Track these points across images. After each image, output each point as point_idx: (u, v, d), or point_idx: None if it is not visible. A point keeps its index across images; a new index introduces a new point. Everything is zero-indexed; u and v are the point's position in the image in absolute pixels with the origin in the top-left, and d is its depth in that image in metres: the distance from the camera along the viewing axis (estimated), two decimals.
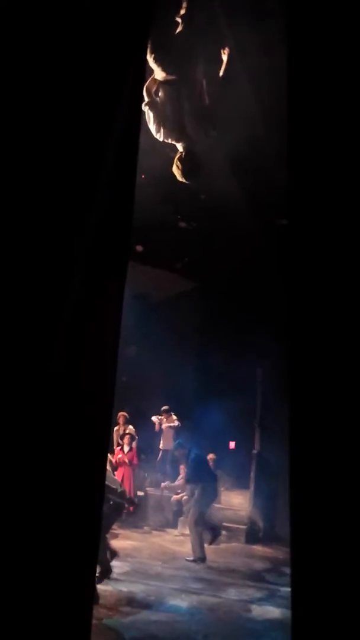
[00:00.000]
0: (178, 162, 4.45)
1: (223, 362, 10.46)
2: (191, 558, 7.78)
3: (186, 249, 10.27)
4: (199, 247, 9.89)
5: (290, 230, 2.38)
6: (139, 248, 9.15)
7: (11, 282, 2.28)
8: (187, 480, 8.76)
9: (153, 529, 9.80)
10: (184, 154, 4.43)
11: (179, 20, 4.37)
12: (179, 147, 4.49)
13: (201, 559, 7.78)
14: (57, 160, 2.50)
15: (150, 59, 4.15)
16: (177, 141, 4.48)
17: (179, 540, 9.05)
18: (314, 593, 2.06)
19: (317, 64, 2.47)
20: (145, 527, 9.81)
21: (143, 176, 5.90)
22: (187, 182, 4.57)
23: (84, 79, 2.64)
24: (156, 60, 4.21)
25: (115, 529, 8.74)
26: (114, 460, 9.50)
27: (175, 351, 11.27)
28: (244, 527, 9.73)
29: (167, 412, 11.03)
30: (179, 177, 4.50)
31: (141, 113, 3.72)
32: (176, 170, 4.48)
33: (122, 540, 8.65)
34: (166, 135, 4.43)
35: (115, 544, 8.06)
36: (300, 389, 2.22)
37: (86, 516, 2.45)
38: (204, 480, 8.33)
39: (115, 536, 8.55)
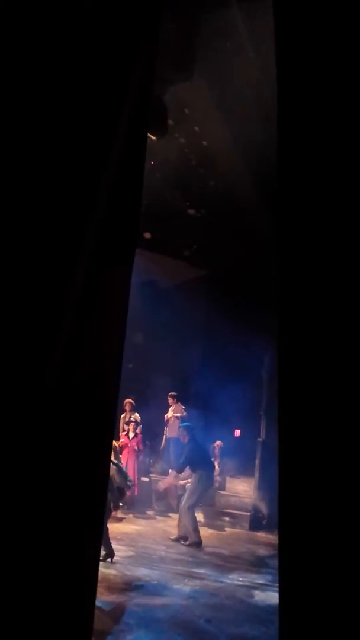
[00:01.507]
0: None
1: (230, 350, 10.48)
2: (187, 542, 7.88)
3: (195, 236, 10.25)
4: (207, 234, 9.86)
5: (279, 236, 2.37)
6: (147, 235, 9.13)
7: (19, 268, 2.29)
8: (182, 465, 8.76)
9: (157, 514, 9.89)
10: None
11: None
12: None
13: (197, 543, 7.87)
14: (65, 147, 2.49)
15: None
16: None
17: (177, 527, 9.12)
18: (302, 581, 2.09)
19: (307, 61, 2.44)
20: (149, 512, 9.89)
21: (153, 162, 5.88)
22: (154, 137, 4.34)
23: (93, 64, 2.63)
24: None
25: (120, 513, 8.85)
26: (118, 446, 9.57)
27: (182, 339, 11.29)
28: (248, 514, 9.79)
29: (174, 397, 11.06)
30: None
31: (150, 98, 3.65)
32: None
33: (126, 524, 8.74)
34: None
35: (119, 528, 8.16)
36: (290, 380, 2.22)
37: (90, 499, 2.47)
38: (201, 468, 8.40)
39: (119, 520, 8.64)
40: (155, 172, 6.06)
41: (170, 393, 11.09)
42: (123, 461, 9.58)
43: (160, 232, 9.28)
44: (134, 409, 10.55)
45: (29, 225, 2.35)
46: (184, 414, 10.80)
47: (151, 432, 11.17)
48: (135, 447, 10.02)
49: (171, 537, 8.14)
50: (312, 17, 2.41)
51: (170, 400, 11.05)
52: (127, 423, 10.18)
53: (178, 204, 8.87)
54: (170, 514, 9.83)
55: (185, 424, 9.25)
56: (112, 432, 2.78)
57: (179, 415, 10.72)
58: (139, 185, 2.79)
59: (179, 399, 11.07)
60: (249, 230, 9.14)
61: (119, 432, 10.07)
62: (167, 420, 10.94)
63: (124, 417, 10.43)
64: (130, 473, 9.62)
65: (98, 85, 2.62)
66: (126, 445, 9.89)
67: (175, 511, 9.83)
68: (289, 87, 2.49)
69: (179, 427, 9.39)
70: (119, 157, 2.64)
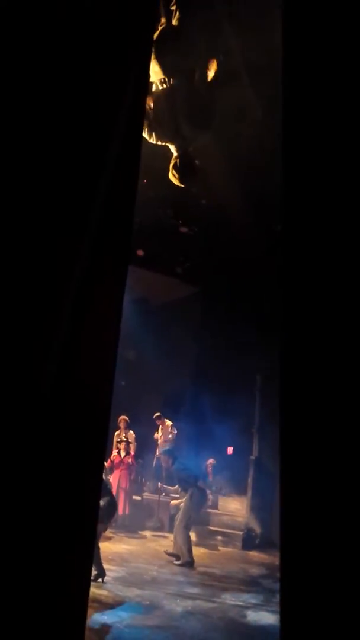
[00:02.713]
0: (173, 171, 4.36)
1: (222, 368, 10.48)
2: (179, 562, 7.80)
3: (187, 254, 10.30)
4: (199, 252, 9.91)
5: (285, 237, 2.39)
6: (140, 252, 9.17)
7: (11, 284, 2.29)
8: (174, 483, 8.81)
9: (149, 534, 9.79)
10: (179, 158, 4.34)
11: (177, 19, 4.29)
12: (173, 149, 4.39)
13: (189, 562, 7.80)
14: (59, 163, 2.51)
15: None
16: (171, 142, 4.38)
17: (173, 546, 9.03)
18: (303, 599, 2.07)
19: (313, 69, 2.48)
20: (141, 532, 9.79)
21: (145, 181, 5.92)
22: (184, 186, 4.48)
23: (86, 81, 2.66)
24: (156, 59, 4.14)
25: (111, 533, 8.75)
26: (107, 464, 9.51)
27: (174, 356, 11.28)
28: (241, 532, 9.71)
29: (159, 418, 11.03)
30: (176, 182, 4.42)
31: (144, 116, 3.68)
32: (173, 178, 4.39)
33: (118, 544, 8.64)
34: (159, 137, 4.32)
35: (111, 548, 8.07)
36: (292, 397, 2.22)
37: (82, 517, 2.45)
38: (191, 486, 8.37)
39: (109, 539, 8.54)
40: (148, 190, 6.10)
41: (155, 414, 11.05)
42: (115, 480, 9.52)
43: (152, 250, 9.32)
44: (128, 427, 10.50)
45: (21, 241, 2.35)
46: (174, 431, 10.76)
47: (143, 449, 11.11)
48: (127, 465, 9.94)
49: (166, 551, 8.05)
50: (319, 25, 2.46)
51: (157, 422, 11.02)
52: (119, 442, 10.12)
53: (170, 222, 8.92)
54: (162, 534, 9.74)
55: (166, 449, 9.25)
56: (104, 449, 2.77)
57: (168, 438, 10.66)
58: (132, 202, 2.81)
59: (166, 417, 11.04)
60: (241, 247, 9.20)
61: (111, 450, 10.01)
62: (157, 439, 10.91)
63: (118, 434, 10.38)
64: (122, 492, 9.56)
65: (92, 103, 2.65)
66: (118, 463, 9.82)
67: (168, 530, 9.76)
68: (293, 100, 2.53)
69: (162, 453, 9.39)
70: (112, 175, 2.66)
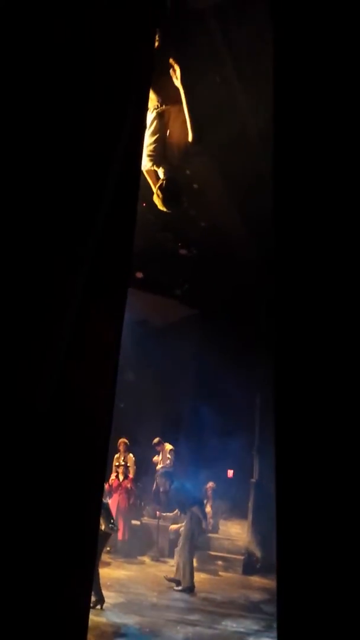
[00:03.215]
0: (159, 191, 4.37)
1: (222, 389, 10.44)
2: (180, 587, 7.69)
3: (186, 276, 10.33)
4: (198, 273, 9.95)
5: (277, 259, 2.40)
6: (139, 274, 9.20)
7: (10, 305, 2.29)
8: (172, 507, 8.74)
9: (149, 559, 9.66)
10: (164, 182, 4.37)
11: (171, 45, 4.36)
12: (160, 173, 4.43)
13: (190, 588, 7.69)
14: (59, 184, 2.53)
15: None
16: (157, 166, 4.42)
17: (174, 571, 8.90)
18: (300, 622, 2.04)
19: (304, 94, 2.51)
20: (140, 557, 9.65)
21: (144, 204, 5.97)
22: (168, 210, 4.48)
23: (86, 104, 2.69)
24: (153, 87, 4.21)
25: (110, 558, 8.64)
26: (107, 487, 9.41)
27: (174, 378, 11.24)
28: (242, 557, 9.58)
29: (159, 444, 10.95)
30: (160, 206, 4.43)
31: (143, 139, 3.72)
32: (157, 200, 4.40)
33: (117, 570, 8.51)
34: (147, 164, 4.36)
35: (109, 574, 7.94)
36: (287, 417, 2.22)
37: (80, 543, 2.42)
38: (190, 509, 8.29)
39: (108, 564, 8.43)
40: (147, 213, 6.16)
41: (155, 440, 10.96)
42: (114, 503, 9.42)
43: (151, 272, 9.35)
44: (127, 449, 10.41)
45: (21, 263, 2.36)
46: (171, 456, 10.65)
47: (142, 472, 11.00)
48: (126, 489, 9.83)
49: (166, 577, 7.93)
50: (310, 86, 2.50)
51: (157, 447, 10.93)
52: (118, 466, 10.03)
53: (169, 244, 8.97)
54: (162, 559, 9.60)
55: (163, 471, 9.17)
56: (104, 472, 2.74)
57: (167, 464, 10.57)
58: (132, 225, 2.83)
59: (165, 439, 10.94)
60: (240, 269, 9.24)
61: (110, 472, 9.92)
62: (157, 463, 10.81)
63: (118, 457, 10.29)
64: (121, 516, 9.45)
65: (92, 125, 2.68)
66: (117, 487, 9.72)
67: (167, 555, 9.62)
68: (285, 125, 2.56)
69: (159, 476, 9.30)
70: (111, 198, 2.68)
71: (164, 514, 9.61)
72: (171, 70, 4.28)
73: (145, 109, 3.46)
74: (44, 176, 2.51)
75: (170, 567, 9.17)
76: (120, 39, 2.82)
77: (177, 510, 9.13)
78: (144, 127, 3.95)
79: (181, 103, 4.30)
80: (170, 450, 10.82)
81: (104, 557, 8.08)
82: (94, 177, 2.63)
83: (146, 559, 9.65)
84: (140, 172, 3.00)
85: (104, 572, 7.37)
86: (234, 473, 11.22)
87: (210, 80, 4.78)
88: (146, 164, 4.34)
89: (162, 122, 4.36)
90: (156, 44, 4.19)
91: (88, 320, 2.51)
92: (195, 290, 10.80)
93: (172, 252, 9.23)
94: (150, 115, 4.36)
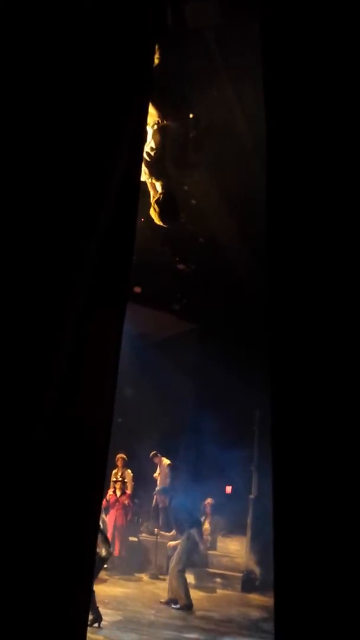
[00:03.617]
0: (155, 205, 4.37)
1: (220, 404, 10.40)
2: (177, 605, 7.60)
3: (184, 291, 10.34)
4: (197, 288, 9.96)
5: (270, 275, 2.42)
6: (138, 289, 9.21)
7: (10, 321, 2.29)
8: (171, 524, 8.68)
9: (146, 576, 9.54)
10: (162, 196, 4.37)
11: (173, 63, 4.42)
12: (158, 187, 4.44)
13: (187, 606, 7.59)
14: (58, 202, 2.54)
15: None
16: (157, 180, 4.43)
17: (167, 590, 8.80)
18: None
19: (294, 108, 2.54)
20: (138, 574, 9.55)
21: (143, 219, 6.00)
22: (164, 225, 4.49)
23: (86, 121, 2.71)
24: (154, 103, 4.26)
25: (107, 575, 8.54)
26: (104, 503, 9.34)
27: (172, 392, 11.20)
28: (240, 574, 9.47)
29: (155, 456, 10.88)
30: (157, 220, 4.43)
31: (142, 156, 3.75)
32: (153, 213, 4.40)
33: (113, 587, 8.41)
34: (148, 174, 4.39)
35: (106, 591, 7.85)
36: (284, 435, 2.21)
37: (78, 561, 2.40)
38: (187, 527, 8.22)
39: (104, 581, 8.34)
40: (146, 228, 6.19)
41: (152, 452, 10.90)
42: (110, 520, 9.34)
43: (150, 287, 9.36)
44: (125, 465, 10.34)
45: (21, 279, 2.37)
46: (169, 471, 10.57)
47: (140, 488, 10.91)
48: (123, 506, 9.74)
49: (161, 600, 7.84)
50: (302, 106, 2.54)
51: (155, 460, 10.86)
52: (115, 482, 9.95)
53: (168, 259, 9.00)
54: (160, 576, 9.49)
55: (161, 488, 9.10)
56: (102, 487, 2.73)
57: (167, 477, 10.50)
58: (131, 241, 2.84)
59: (163, 454, 10.87)
60: (238, 284, 9.25)
61: (108, 488, 9.84)
62: (157, 479, 10.74)
63: (116, 472, 10.20)
64: (117, 533, 9.36)
65: (92, 142, 2.70)
66: (114, 503, 9.63)
67: (165, 573, 9.52)
68: (278, 144, 2.59)
69: (158, 494, 9.23)
70: (110, 214, 2.70)
71: (164, 533, 9.52)
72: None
73: (144, 124, 3.49)
74: (45, 190, 2.52)
75: (166, 584, 9.08)
76: (120, 53, 2.85)
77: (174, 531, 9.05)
78: (143, 142, 3.97)
79: (181, 119, 4.34)
80: (168, 465, 10.75)
81: (101, 574, 8.00)
82: (94, 192, 2.64)
83: (143, 576, 9.54)
84: (140, 187, 3.02)
85: (100, 589, 7.29)
86: (232, 489, 11.13)
87: (208, 96, 4.84)
88: (145, 177, 4.33)
89: (162, 137, 4.34)
90: (157, 60, 4.26)
91: (87, 334, 2.51)
92: (194, 305, 10.80)
93: (171, 267, 9.25)
94: (151, 131, 4.36)
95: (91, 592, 2.58)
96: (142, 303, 9.67)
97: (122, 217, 2.75)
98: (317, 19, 2.54)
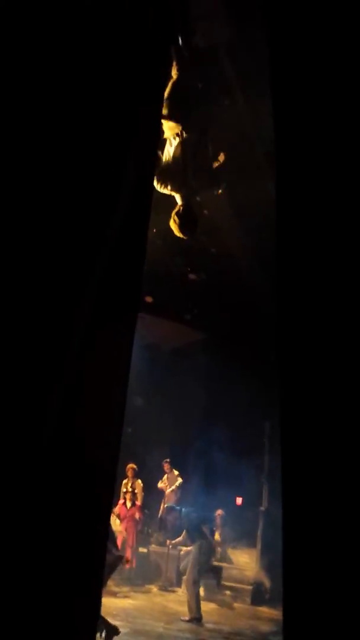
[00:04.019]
0: (175, 217, 4.41)
1: (231, 414, 10.37)
2: (186, 618, 7.52)
3: (196, 301, 10.35)
4: (208, 298, 9.97)
5: (278, 284, 2.42)
6: (149, 299, 9.23)
7: (18, 330, 2.30)
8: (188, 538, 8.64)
9: (156, 588, 9.49)
10: (182, 208, 4.43)
11: (191, 77, 4.49)
12: (178, 199, 4.50)
13: (197, 619, 7.52)
14: (69, 211, 2.56)
15: (163, 112, 4.27)
16: (177, 192, 4.50)
17: (182, 600, 8.73)
18: None
19: (302, 120, 2.55)
20: (148, 586, 9.49)
21: (155, 230, 6.02)
22: (184, 236, 4.53)
23: (98, 129, 2.73)
24: (170, 114, 4.33)
25: (116, 587, 8.50)
26: (116, 513, 9.32)
27: (182, 403, 11.19)
28: (250, 587, 9.39)
29: (167, 463, 10.86)
30: (176, 232, 4.48)
31: (155, 165, 3.77)
32: (173, 225, 4.43)
33: (123, 599, 8.37)
34: (165, 185, 4.45)
35: (116, 603, 7.81)
36: (293, 447, 2.19)
37: (87, 569, 2.38)
38: (199, 538, 8.16)
39: (114, 594, 8.29)
40: (157, 239, 6.21)
41: (166, 460, 10.87)
42: (122, 531, 9.32)
43: (161, 296, 9.38)
44: (136, 475, 10.31)
45: (31, 289, 2.38)
46: (179, 480, 10.54)
47: (150, 499, 10.88)
48: (133, 517, 9.70)
49: (182, 619, 7.64)
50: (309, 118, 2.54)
51: (165, 467, 10.82)
52: (125, 493, 9.93)
53: (179, 269, 9.02)
54: (170, 588, 9.44)
55: (171, 506, 9.10)
56: (112, 498, 2.72)
57: (174, 488, 10.46)
58: (142, 251, 2.84)
59: (173, 464, 10.85)
60: (249, 295, 9.25)
61: (118, 498, 9.82)
62: (163, 489, 10.70)
63: (126, 483, 10.18)
64: (128, 543, 9.32)
65: (103, 151, 2.71)
66: (125, 514, 9.60)
67: (175, 585, 9.46)
68: (287, 158, 2.59)
69: (166, 511, 9.23)
70: (122, 223, 2.70)
71: (174, 541, 9.46)
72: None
73: (156, 136, 3.52)
74: (55, 200, 2.54)
75: (178, 596, 9.02)
76: (129, 64, 2.87)
77: (184, 533, 8.98)
78: (155, 153, 4.01)
79: (199, 132, 4.42)
80: (178, 475, 10.70)
81: (111, 587, 7.96)
82: (105, 201, 2.65)
83: (153, 587, 9.49)
84: (152, 197, 3.02)
85: (110, 602, 7.25)
86: (242, 500, 11.06)
87: (221, 110, 4.91)
88: (164, 188, 4.42)
89: (182, 150, 4.42)
90: (174, 75, 4.34)
91: (98, 344, 2.51)
92: (205, 315, 10.81)
93: (182, 277, 9.27)
94: (174, 143, 4.45)
95: (99, 605, 2.56)
96: (153, 313, 9.69)
97: (133, 227, 2.76)
98: (325, 31, 2.56)
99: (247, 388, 10.02)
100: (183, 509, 8.59)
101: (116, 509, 9.57)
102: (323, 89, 2.51)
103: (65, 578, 2.26)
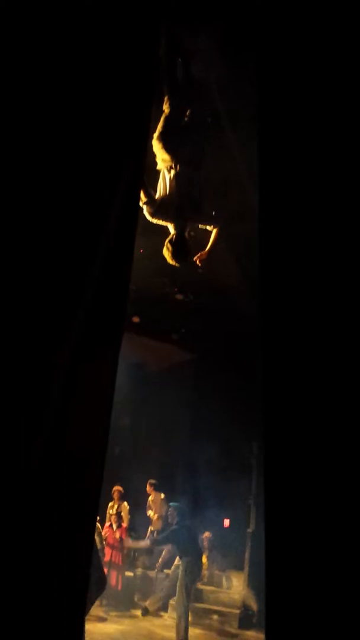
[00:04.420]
0: (168, 245, 4.56)
1: (218, 435, 10.32)
2: None
3: (183, 321, 10.38)
4: (195, 318, 10.00)
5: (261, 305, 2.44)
6: (136, 319, 9.24)
7: (5, 351, 2.30)
8: (160, 541, 8.49)
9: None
10: (174, 237, 4.55)
11: (181, 111, 4.64)
12: (171, 228, 4.62)
13: None
14: (56, 230, 2.57)
15: (156, 144, 4.49)
16: (169, 222, 4.62)
17: (169, 625, 8.58)
18: None
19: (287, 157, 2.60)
20: (133, 610, 9.33)
21: (142, 251, 6.06)
22: (176, 264, 4.66)
23: (85, 152, 2.76)
24: (164, 147, 4.50)
25: (103, 612, 8.35)
26: (103, 536, 9.19)
27: (170, 423, 11.13)
28: (238, 611, 9.25)
29: (153, 485, 10.74)
30: (169, 260, 4.60)
31: (141, 187, 3.86)
32: (166, 253, 4.58)
33: (108, 624, 8.22)
34: (158, 217, 4.56)
35: (101, 628, 7.66)
36: (277, 468, 2.20)
37: (70, 594, 2.35)
38: (188, 555, 8.03)
39: (103, 620, 8.14)
40: (145, 259, 6.25)
41: (149, 481, 10.75)
42: (106, 555, 9.18)
43: (149, 316, 9.39)
44: (122, 497, 10.19)
45: (17, 308, 2.38)
46: (164, 505, 10.43)
47: (137, 521, 10.75)
48: (119, 540, 9.56)
49: None
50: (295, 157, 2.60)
51: (148, 489, 10.70)
52: (111, 516, 9.80)
53: (166, 289, 9.05)
54: (158, 613, 9.28)
55: (175, 504, 8.95)
56: (95, 522, 2.69)
57: (161, 513, 10.35)
58: (127, 272, 2.86)
59: (161, 486, 10.73)
60: (237, 315, 9.28)
61: (104, 522, 9.68)
62: (150, 516, 10.58)
63: (112, 505, 10.05)
64: (113, 568, 9.19)
65: (90, 172, 2.74)
66: (110, 537, 9.47)
67: (162, 609, 9.30)
68: (270, 178, 2.64)
69: (169, 506, 9.08)
70: (108, 243, 2.72)
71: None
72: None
73: (143, 156, 3.58)
74: (43, 220, 2.55)
75: (164, 620, 8.86)
76: (119, 93, 2.92)
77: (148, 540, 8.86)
78: (142, 174, 4.07)
79: (192, 165, 4.53)
80: (162, 499, 10.59)
81: (96, 610, 7.82)
82: (92, 222, 2.67)
83: (139, 612, 9.32)
84: (138, 218, 3.06)
85: (94, 627, 7.12)
86: (230, 522, 10.96)
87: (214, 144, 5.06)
88: (158, 219, 4.57)
89: (175, 182, 4.57)
90: (166, 110, 4.46)
91: (82, 363, 2.50)
92: (192, 335, 10.83)
93: (170, 298, 9.30)
94: (166, 175, 4.61)
95: (83, 629, 2.52)
96: (141, 333, 9.69)
97: (119, 247, 2.78)
98: (312, 80, 2.63)
99: (235, 409, 10.01)
100: (170, 535, 8.44)
101: (103, 532, 9.44)
102: (308, 133, 2.57)
103: (48, 603, 2.23)
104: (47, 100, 2.68)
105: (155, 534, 10.15)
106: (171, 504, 9.12)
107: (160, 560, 9.77)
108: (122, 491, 10.21)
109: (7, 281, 2.39)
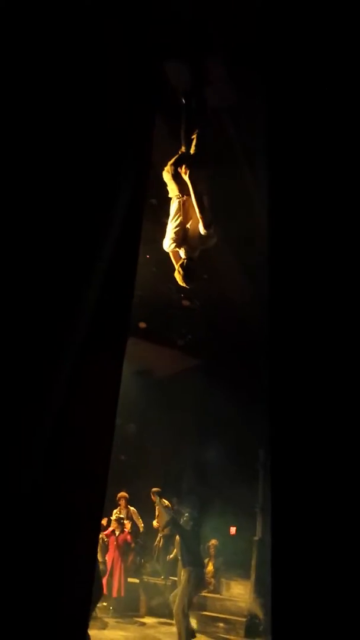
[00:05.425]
0: (180, 269, 4.82)
1: (224, 441, 10.30)
2: None
3: (189, 327, 10.38)
4: (201, 324, 10.00)
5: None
6: (142, 325, 9.25)
7: (8, 358, 2.30)
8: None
9: (147, 620, 9.28)
10: (185, 261, 4.73)
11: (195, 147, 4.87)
12: (182, 253, 4.80)
13: None
14: (60, 236, 2.58)
15: (167, 175, 4.83)
16: (180, 247, 4.87)
17: (174, 632, 8.52)
18: None
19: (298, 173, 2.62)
20: (138, 618, 9.28)
21: (148, 256, 6.08)
22: (187, 286, 4.94)
23: (91, 160, 2.77)
24: (173, 179, 4.81)
25: (107, 618, 8.32)
26: (105, 539, 9.17)
27: (176, 429, 11.12)
28: (244, 619, 9.18)
29: (156, 493, 10.69)
30: (180, 282, 4.88)
31: (146, 191, 3.95)
32: (178, 276, 4.85)
33: (113, 631, 8.18)
34: (171, 246, 4.82)
35: (106, 635, 7.63)
36: (284, 476, 2.19)
37: (73, 602, 2.34)
38: (191, 564, 7.98)
39: (105, 626, 8.10)
40: (151, 265, 6.27)
41: (153, 489, 10.72)
42: (109, 559, 9.15)
43: (155, 322, 9.40)
44: (128, 503, 10.14)
45: (22, 312, 2.38)
46: (168, 514, 10.38)
47: (144, 528, 10.69)
48: (123, 544, 9.51)
49: None
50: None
51: (152, 497, 10.67)
52: (116, 520, 9.75)
53: (173, 296, 9.06)
54: (162, 619, 9.23)
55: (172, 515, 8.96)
56: (99, 528, 2.68)
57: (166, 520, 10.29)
58: (132, 278, 2.87)
59: (166, 493, 10.67)
60: (244, 321, 9.28)
61: (109, 528, 9.64)
62: (155, 525, 10.52)
63: (118, 512, 10.00)
64: (116, 573, 9.15)
65: (94, 177, 2.75)
66: (113, 542, 9.42)
67: (167, 616, 9.25)
68: (280, 188, 2.64)
69: (166, 522, 9.07)
70: (113, 249, 2.73)
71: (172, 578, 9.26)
72: (180, 168, 4.84)
73: (148, 159, 3.64)
74: (46, 224, 2.56)
75: (169, 628, 8.80)
76: (120, 109, 2.94)
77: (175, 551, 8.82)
78: (147, 179, 4.15)
79: (204, 194, 4.73)
80: (166, 507, 10.54)
81: (100, 617, 7.79)
82: (96, 228, 2.68)
83: (145, 620, 9.28)
84: (142, 225, 3.07)
85: (100, 634, 7.08)
86: (236, 530, 10.90)
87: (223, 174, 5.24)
88: (170, 245, 4.84)
89: (183, 210, 4.87)
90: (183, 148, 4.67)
91: (86, 370, 2.50)
92: (198, 341, 10.82)
93: (176, 304, 9.32)
94: (174, 204, 4.91)
95: (86, 634, 2.51)
96: (147, 339, 9.70)
97: (124, 254, 2.79)
98: (320, 115, 2.65)
99: (241, 415, 9.98)
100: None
101: (106, 538, 9.41)
102: (317, 163, 2.59)
103: (50, 611, 2.22)
104: (52, 109, 2.70)
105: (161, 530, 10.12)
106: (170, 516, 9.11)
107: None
108: (127, 497, 10.16)
109: (13, 285, 2.40)
